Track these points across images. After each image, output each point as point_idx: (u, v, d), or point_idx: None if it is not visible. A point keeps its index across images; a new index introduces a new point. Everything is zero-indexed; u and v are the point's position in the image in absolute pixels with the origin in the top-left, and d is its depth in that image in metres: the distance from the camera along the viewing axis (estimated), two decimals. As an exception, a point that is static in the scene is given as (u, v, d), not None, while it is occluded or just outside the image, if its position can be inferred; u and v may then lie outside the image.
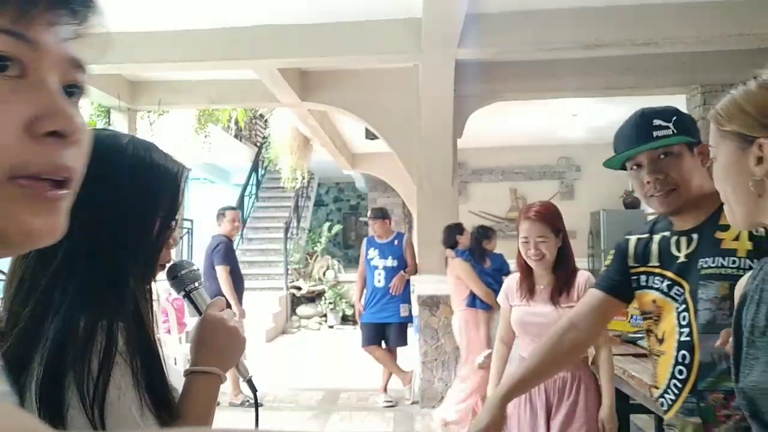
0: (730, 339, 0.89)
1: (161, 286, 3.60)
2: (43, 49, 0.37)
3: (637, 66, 4.28)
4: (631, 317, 2.61)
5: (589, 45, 3.46)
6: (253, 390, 0.95)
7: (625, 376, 2.27)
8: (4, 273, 0.76)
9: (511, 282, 2.30)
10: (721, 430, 1.17)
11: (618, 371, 2.23)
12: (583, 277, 2.14)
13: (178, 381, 0.82)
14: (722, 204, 0.92)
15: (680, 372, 1.25)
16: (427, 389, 4.60)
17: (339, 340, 8.06)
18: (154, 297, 0.84)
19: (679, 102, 4.01)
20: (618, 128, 1.39)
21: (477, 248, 4.20)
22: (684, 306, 1.25)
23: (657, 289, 1.33)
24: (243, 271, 4.95)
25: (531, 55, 4.08)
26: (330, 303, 9.43)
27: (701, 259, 1.24)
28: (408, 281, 4.80)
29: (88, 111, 5.02)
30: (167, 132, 5.73)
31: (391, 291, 4.75)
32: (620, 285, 1.42)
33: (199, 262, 4.52)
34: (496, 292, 2.90)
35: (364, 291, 4.97)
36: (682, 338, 1.25)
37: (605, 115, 5.90)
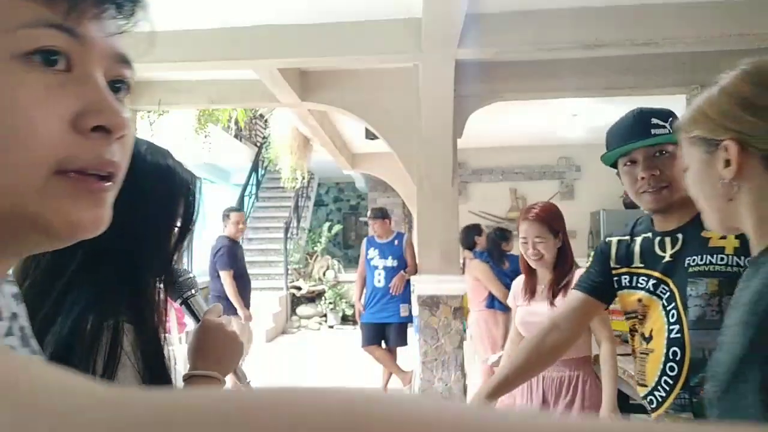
0: None
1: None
2: (90, 44, 0.37)
3: (637, 66, 4.28)
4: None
5: (589, 45, 3.46)
6: None
7: (625, 376, 2.27)
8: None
9: (518, 283, 2.34)
10: None
11: (618, 371, 2.23)
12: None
13: (179, 383, 0.82)
14: None
15: (671, 369, 1.26)
16: (427, 389, 4.60)
17: (339, 340, 8.06)
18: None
19: (679, 102, 4.01)
20: (612, 125, 1.42)
21: (496, 250, 4.24)
22: (672, 304, 1.28)
23: (642, 289, 1.36)
24: (243, 271, 4.95)
25: (531, 55, 4.07)
26: (330, 303, 9.43)
27: (688, 258, 1.27)
28: (408, 281, 4.80)
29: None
30: (167, 132, 5.72)
31: (391, 291, 4.75)
32: (601, 286, 1.46)
33: (199, 263, 4.52)
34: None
35: (364, 291, 4.97)
36: (672, 335, 1.26)
37: (605, 115, 5.90)
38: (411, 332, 4.88)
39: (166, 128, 5.76)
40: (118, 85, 0.41)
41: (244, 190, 10.53)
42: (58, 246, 0.39)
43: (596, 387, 2.12)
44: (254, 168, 10.84)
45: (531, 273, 2.26)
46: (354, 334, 6.45)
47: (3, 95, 0.34)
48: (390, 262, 4.82)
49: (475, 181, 8.31)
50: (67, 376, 0.21)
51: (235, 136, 9.22)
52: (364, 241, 5.09)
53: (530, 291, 2.24)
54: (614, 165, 1.43)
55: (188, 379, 0.83)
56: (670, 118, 1.34)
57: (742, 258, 1.19)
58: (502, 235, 4.34)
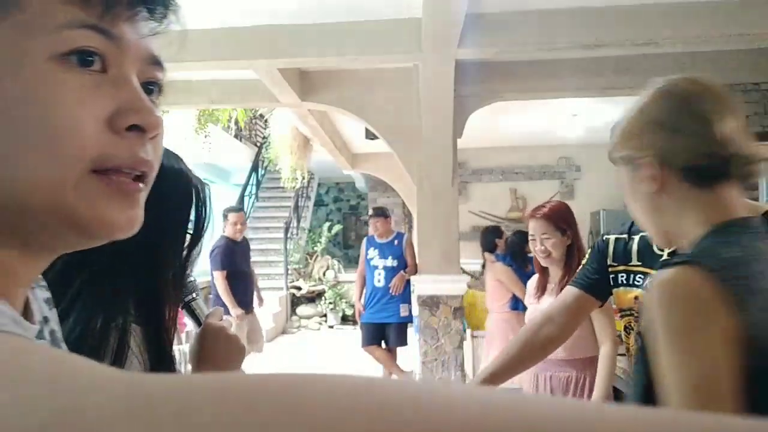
0: None
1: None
2: (125, 45, 0.38)
3: (637, 66, 4.28)
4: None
5: (589, 45, 3.46)
6: None
7: (625, 376, 2.27)
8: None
9: (532, 282, 2.41)
10: None
11: (617, 371, 2.23)
12: None
13: None
14: None
15: None
16: (427, 389, 4.60)
17: (339, 340, 8.06)
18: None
19: (679, 102, 4.01)
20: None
21: (519, 253, 4.25)
22: None
23: (640, 287, 1.37)
24: (243, 271, 4.93)
25: (531, 55, 4.08)
26: (330, 303, 9.43)
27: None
28: (408, 281, 4.80)
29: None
30: (167, 132, 5.73)
31: (391, 291, 4.75)
32: (597, 283, 1.47)
33: (199, 263, 4.50)
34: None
35: (364, 291, 4.97)
36: None
37: (605, 115, 5.91)
38: (411, 332, 4.88)
39: (166, 128, 5.76)
40: (150, 86, 0.42)
41: (244, 190, 10.53)
42: (91, 245, 0.39)
43: None
44: (254, 168, 10.84)
45: (544, 271, 2.31)
46: (354, 334, 6.45)
47: (43, 94, 0.34)
48: (390, 262, 4.82)
49: (475, 181, 8.32)
50: (89, 361, 0.22)
51: (235, 136, 9.23)
52: (364, 240, 5.09)
53: (542, 289, 2.29)
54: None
55: None
56: None
57: None
58: (524, 238, 4.35)
